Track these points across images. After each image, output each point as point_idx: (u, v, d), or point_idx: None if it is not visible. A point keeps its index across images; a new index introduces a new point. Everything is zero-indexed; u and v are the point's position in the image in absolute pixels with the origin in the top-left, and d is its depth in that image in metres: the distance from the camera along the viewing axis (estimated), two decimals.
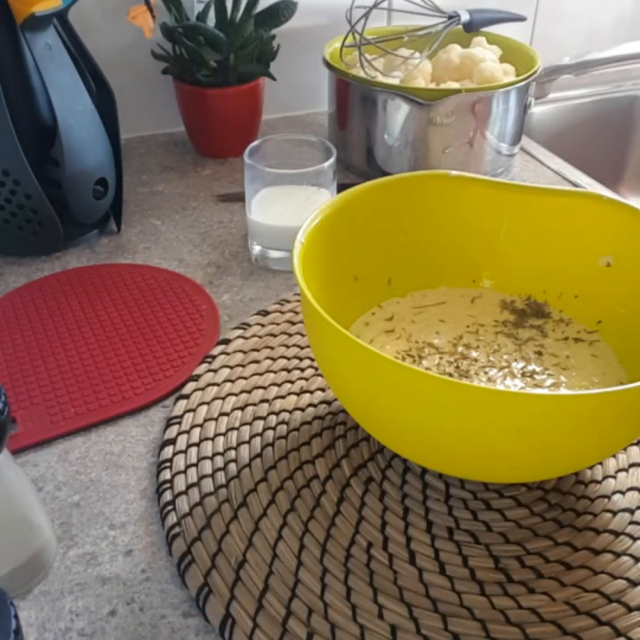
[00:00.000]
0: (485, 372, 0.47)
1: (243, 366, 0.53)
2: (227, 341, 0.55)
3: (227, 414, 0.49)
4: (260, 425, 0.48)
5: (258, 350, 0.55)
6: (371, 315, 0.52)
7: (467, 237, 0.53)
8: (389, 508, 0.43)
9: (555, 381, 0.46)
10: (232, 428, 0.48)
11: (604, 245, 0.49)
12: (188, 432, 0.48)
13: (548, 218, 0.51)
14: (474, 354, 0.48)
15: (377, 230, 0.51)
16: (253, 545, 0.41)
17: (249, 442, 0.47)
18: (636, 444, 0.47)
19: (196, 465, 0.45)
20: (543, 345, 0.49)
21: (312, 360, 0.54)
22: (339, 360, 0.40)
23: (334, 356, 0.41)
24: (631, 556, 0.40)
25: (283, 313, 0.58)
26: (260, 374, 0.52)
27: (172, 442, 0.47)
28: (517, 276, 0.53)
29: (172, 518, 0.42)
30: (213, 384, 0.51)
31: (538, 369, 0.47)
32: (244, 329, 0.57)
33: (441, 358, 0.48)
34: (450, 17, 0.79)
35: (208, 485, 0.44)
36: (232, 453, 0.46)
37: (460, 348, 0.49)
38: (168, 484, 0.44)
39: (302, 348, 0.55)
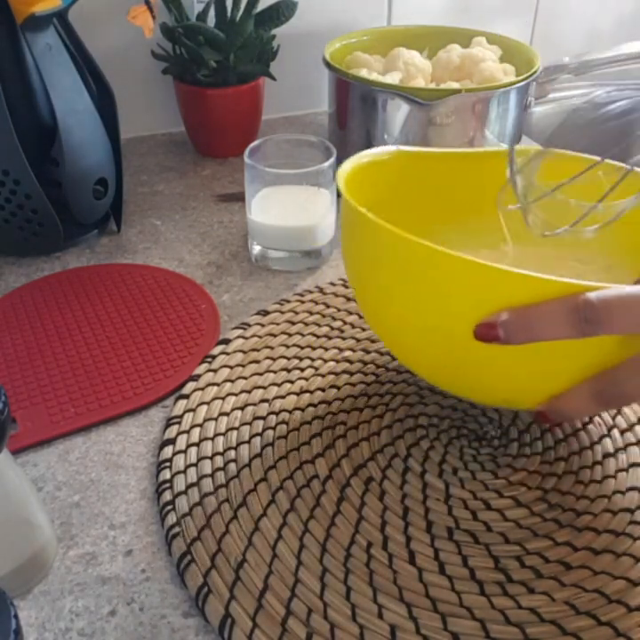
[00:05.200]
0: None
1: (242, 366, 0.53)
2: (227, 341, 0.55)
3: (226, 414, 0.49)
4: (259, 425, 0.48)
5: (258, 350, 0.55)
6: None
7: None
8: (389, 508, 0.43)
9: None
10: (232, 428, 0.48)
11: None
12: (187, 432, 0.48)
13: None
14: None
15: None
16: (253, 545, 0.41)
17: (249, 442, 0.47)
18: (636, 444, 0.47)
19: (195, 465, 0.45)
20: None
21: (312, 360, 0.54)
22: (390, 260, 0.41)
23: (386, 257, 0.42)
24: (631, 555, 0.40)
25: (283, 313, 0.58)
26: (260, 374, 0.52)
27: (172, 442, 0.47)
28: None
29: (171, 518, 0.42)
30: (213, 384, 0.52)
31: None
32: (244, 329, 0.57)
33: None
34: None
35: (208, 485, 0.44)
36: (232, 453, 0.46)
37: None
38: (168, 484, 0.44)
39: (302, 347, 0.55)
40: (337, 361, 0.54)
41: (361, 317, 0.58)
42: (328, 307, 0.59)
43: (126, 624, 0.38)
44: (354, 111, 0.77)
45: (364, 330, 0.57)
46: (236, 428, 0.48)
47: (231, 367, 0.53)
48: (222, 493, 0.44)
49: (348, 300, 0.60)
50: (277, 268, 0.65)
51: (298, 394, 0.51)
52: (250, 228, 0.65)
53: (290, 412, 0.49)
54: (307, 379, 0.52)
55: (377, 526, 0.42)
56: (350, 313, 0.59)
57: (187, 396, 0.50)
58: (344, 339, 0.56)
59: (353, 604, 0.38)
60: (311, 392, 0.51)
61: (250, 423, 0.49)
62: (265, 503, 0.43)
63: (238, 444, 0.47)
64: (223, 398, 0.50)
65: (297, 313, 0.59)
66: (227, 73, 0.78)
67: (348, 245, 0.46)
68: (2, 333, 0.56)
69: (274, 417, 0.49)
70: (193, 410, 0.49)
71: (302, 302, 0.60)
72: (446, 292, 0.39)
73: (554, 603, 0.38)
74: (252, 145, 0.64)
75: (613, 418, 0.49)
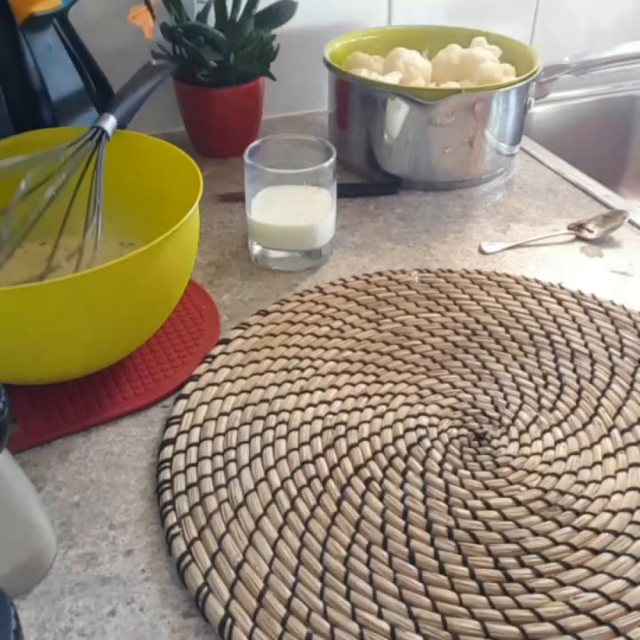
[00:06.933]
0: None
1: (242, 366, 0.53)
2: (227, 341, 0.55)
3: (226, 414, 0.49)
4: (259, 425, 0.48)
5: (258, 350, 0.55)
6: None
7: None
8: (389, 508, 0.43)
9: None
10: (232, 428, 0.48)
11: None
12: (187, 432, 0.48)
13: None
14: None
15: None
16: (253, 544, 0.41)
17: (249, 442, 0.47)
18: (636, 444, 0.47)
19: (195, 465, 0.46)
20: None
21: (312, 360, 0.54)
22: None
23: None
24: (631, 555, 0.41)
25: (283, 313, 0.59)
26: (260, 374, 0.53)
27: (172, 442, 0.47)
28: None
29: (171, 518, 0.42)
30: (213, 384, 0.52)
31: None
32: (244, 329, 0.57)
33: None
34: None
35: (208, 485, 0.44)
36: (232, 453, 0.46)
37: None
38: (168, 484, 0.44)
39: (302, 347, 0.55)
40: (337, 361, 0.54)
41: (361, 317, 0.58)
42: (328, 307, 0.59)
43: (126, 624, 0.38)
44: (354, 111, 0.77)
45: (364, 330, 0.57)
46: (236, 428, 0.48)
47: (231, 367, 0.53)
48: (222, 493, 0.44)
49: (348, 299, 0.60)
50: (277, 268, 0.65)
51: (298, 394, 0.51)
52: (250, 228, 0.65)
53: (290, 412, 0.49)
54: (307, 379, 0.52)
55: (377, 526, 0.42)
56: (350, 313, 0.59)
57: (187, 396, 0.51)
58: (344, 339, 0.56)
59: (353, 603, 0.38)
60: (311, 392, 0.51)
61: (250, 423, 0.49)
62: (265, 503, 0.43)
63: (238, 444, 0.47)
64: (223, 398, 0.50)
65: (297, 313, 0.59)
66: (227, 73, 0.78)
67: None
68: None
69: (274, 417, 0.49)
70: (193, 410, 0.49)
71: (302, 302, 0.60)
72: None
73: (553, 602, 0.38)
74: (252, 145, 0.64)
75: (613, 418, 0.49)
